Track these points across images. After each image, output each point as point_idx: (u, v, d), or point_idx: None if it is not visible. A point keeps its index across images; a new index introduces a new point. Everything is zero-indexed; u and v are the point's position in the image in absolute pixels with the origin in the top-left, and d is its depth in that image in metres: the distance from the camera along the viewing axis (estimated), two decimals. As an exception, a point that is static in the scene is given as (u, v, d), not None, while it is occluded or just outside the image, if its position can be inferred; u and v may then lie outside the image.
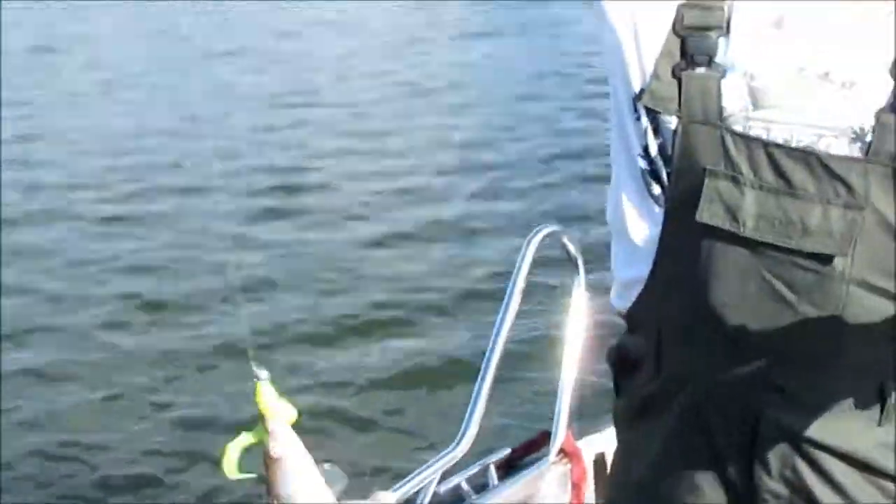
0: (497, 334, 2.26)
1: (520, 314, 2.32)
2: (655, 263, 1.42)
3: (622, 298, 1.53)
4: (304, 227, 7.92)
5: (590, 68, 12.26)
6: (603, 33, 1.45)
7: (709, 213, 1.33)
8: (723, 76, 1.33)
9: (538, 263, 2.33)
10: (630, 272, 1.48)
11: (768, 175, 1.31)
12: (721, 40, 1.34)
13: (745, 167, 1.32)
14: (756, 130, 1.32)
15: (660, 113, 1.37)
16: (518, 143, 9.90)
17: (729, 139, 1.32)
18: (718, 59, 1.34)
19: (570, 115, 10.67)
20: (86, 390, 5.72)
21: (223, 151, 9.91)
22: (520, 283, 2.30)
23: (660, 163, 1.39)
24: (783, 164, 1.30)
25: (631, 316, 1.52)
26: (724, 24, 1.34)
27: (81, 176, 9.36)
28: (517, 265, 2.32)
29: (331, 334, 6.05)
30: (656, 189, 1.40)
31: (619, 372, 1.58)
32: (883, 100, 1.30)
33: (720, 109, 1.33)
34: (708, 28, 1.35)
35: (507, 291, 2.30)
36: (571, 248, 2.45)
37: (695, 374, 1.42)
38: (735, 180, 1.32)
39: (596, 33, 1.51)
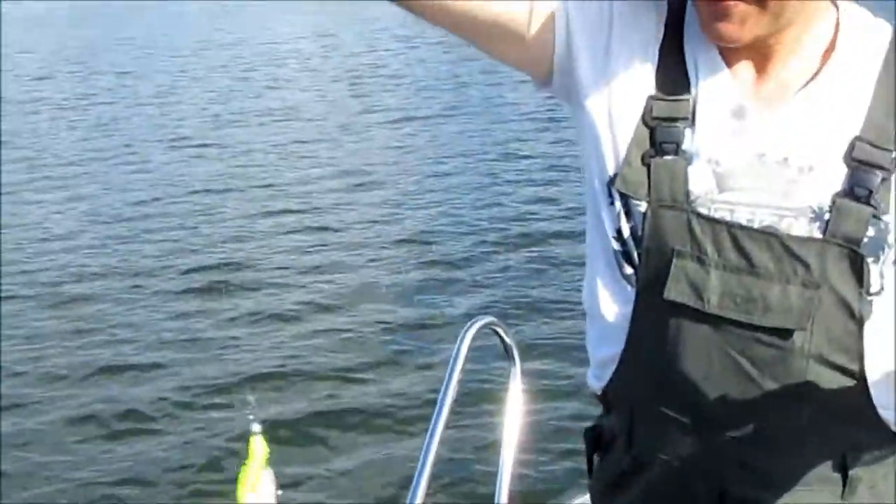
0: (434, 425, 2.24)
1: (455, 407, 2.29)
2: (627, 342, 1.49)
3: (598, 378, 1.59)
4: (238, 325, 7.77)
5: (531, 151, 12.52)
6: (581, 125, 1.52)
7: (676, 291, 1.41)
8: (689, 163, 1.42)
9: (475, 355, 2.34)
10: (604, 351, 1.55)
11: (732, 255, 1.39)
12: (687, 130, 1.43)
13: (709, 248, 1.40)
14: (721, 212, 1.40)
15: (631, 197, 1.44)
16: (459, 229, 9.87)
17: (695, 222, 1.41)
18: (685, 146, 1.42)
19: (515, 199, 10.70)
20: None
21: (156, 241, 9.87)
22: (456, 375, 2.29)
23: (631, 244, 1.46)
24: (745, 244, 1.39)
25: (605, 395, 1.59)
26: (690, 115, 1.43)
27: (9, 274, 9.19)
28: (453, 356, 2.33)
29: (282, 436, 5.87)
30: (628, 269, 1.47)
31: (595, 450, 1.65)
32: (838, 183, 1.38)
33: (687, 193, 1.41)
34: (675, 119, 1.43)
35: (444, 382, 2.29)
36: (507, 339, 2.48)
37: (663, 450, 1.49)
38: (700, 261, 1.40)
39: (574, 125, 1.58)
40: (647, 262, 1.44)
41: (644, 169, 1.43)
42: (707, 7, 1.37)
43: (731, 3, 1.34)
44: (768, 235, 1.38)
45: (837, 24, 1.44)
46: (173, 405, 6.40)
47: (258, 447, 1.27)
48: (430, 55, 21.38)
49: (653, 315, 1.45)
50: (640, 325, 1.47)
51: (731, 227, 1.39)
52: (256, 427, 1.26)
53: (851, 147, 1.39)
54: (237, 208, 10.97)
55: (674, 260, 1.41)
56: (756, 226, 1.39)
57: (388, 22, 25.98)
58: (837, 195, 1.37)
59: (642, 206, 1.43)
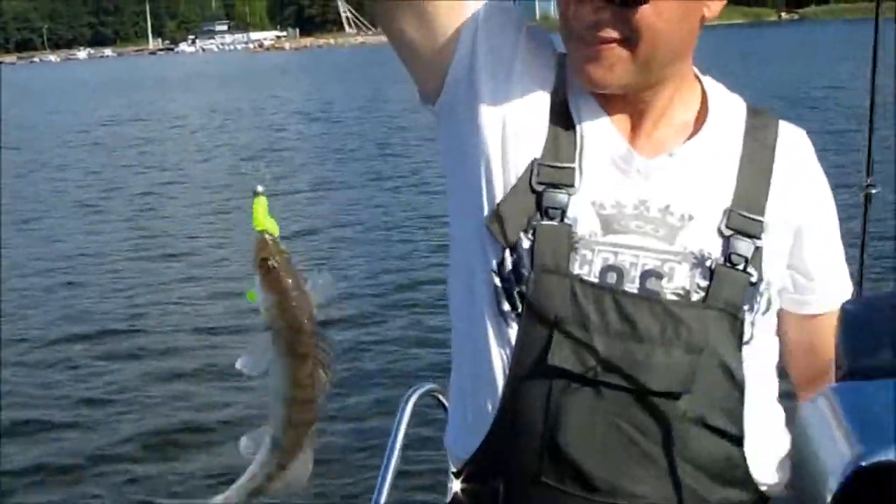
0: (379, 493, 2.26)
1: (400, 471, 2.30)
2: (503, 404, 1.46)
3: (464, 444, 1.53)
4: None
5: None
6: (466, 144, 1.51)
7: (559, 357, 1.41)
8: (572, 228, 1.43)
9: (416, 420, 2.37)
10: (474, 408, 1.50)
11: (615, 320, 1.41)
12: (575, 171, 1.46)
13: (593, 314, 1.41)
14: (605, 254, 1.43)
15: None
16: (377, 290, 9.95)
17: (579, 288, 1.42)
18: (576, 186, 1.45)
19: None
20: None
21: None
22: (399, 442, 2.31)
23: (513, 280, 1.45)
24: (629, 309, 1.41)
25: (474, 463, 1.51)
26: (574, 180, 1.45)
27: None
28: (395, 424, 2.34)
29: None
30: (506, 306, 1.46)
31: None
32: (715, 232, 1.45)
33: (570, 259, 1.42)
34: (560, 185, 1.45)
35: (387, 449, 2.31)
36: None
37: None
38: (584, 326, 1.41)
39: (446, 146, 1.57)
40: (529, 326, 1.44)
41: (524, 219, 1.44)
42: (580, 50, 1.42)
43: (603, 46, 1.39)
44: (651, 301, 1.41)
45: (704, 94, 1.55)
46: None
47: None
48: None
49: (534, 379, 1.43)
50: (518, 389, 1.45)
51: (614, 292, 1.41)
52: (260, 188, 1.27)
53: (726, 216, 1.46)
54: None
55: (556, 326, 1.41)
56: (639, 269, 1.42)
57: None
58: (718, 264, 1.43)
59: (527, 242, 1.44)
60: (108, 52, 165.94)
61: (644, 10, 1.37)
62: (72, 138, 26.44)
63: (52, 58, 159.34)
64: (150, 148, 23.01)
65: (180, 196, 16.40)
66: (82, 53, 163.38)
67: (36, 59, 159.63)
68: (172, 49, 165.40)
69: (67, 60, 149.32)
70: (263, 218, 1.26)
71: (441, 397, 2.49)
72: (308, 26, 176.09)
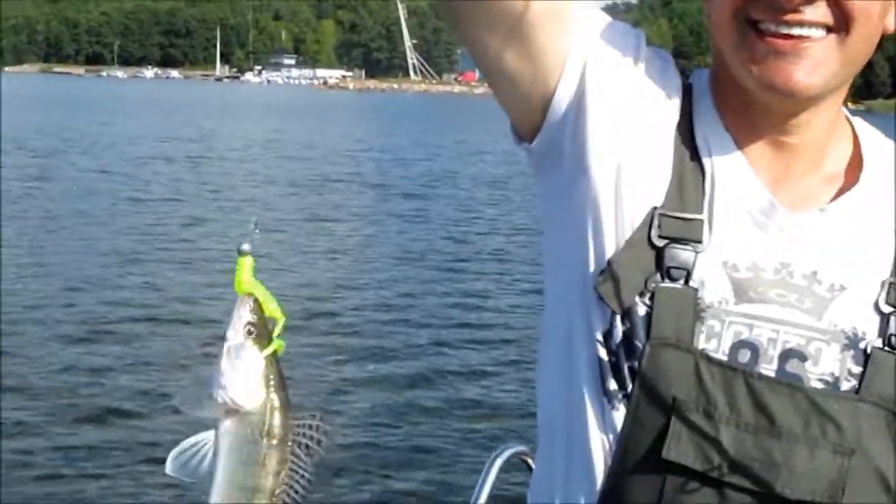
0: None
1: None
2: (604, 501, 1.23)
3: None
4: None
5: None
6: (576, 193, 1.27)
7: (676, 450, 1.18)
8: (699, 293, 1.21)
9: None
10: (563, 500, 1.28)
11: (748, 410, 1.18)
12: (704, 224, 1.22)
13: (721, 400, 1.18)
14: (737, 327, 1.20)
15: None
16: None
17: (704, 367, 1.19)
18: (704, 242, 1.22)
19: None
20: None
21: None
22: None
23: (622, 354, 1.22)
24: (765, 398, 1.18)
25: None
26: (702, 235, 1.22)
27: None
28: (479, 485, 2.14)
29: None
30: (613, 385, 1.23)
31: None
32: (871, 310, 1.22)
33: (694, 331, 1.20)
34: (686, 241, 1.22)
35: None
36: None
37: None
38: (708, 415, 1.18)
39: (549, 193, 1.33)
40: (640, 409, 1.21)
41: (641, 281, 1.21)
42: (768, 46, 1.17)
43: (809, 39, 1.16)
44: (793, 389, 1.18)
45: (856, 138, 1.32)
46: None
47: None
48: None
49: (643, 475, 1.20)
50: (623, 484, 1.22)
51: (747, 375, 1.18)
52: (246, 246, 1.14)
53: (885, 289, 1.23)
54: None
55: (675, 411, 1.18)
56: (778, 347, 1.20)
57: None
58: (875, 347, 1.20)
59: (642, 308, 1.21)
60: (174, 73, 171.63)
61: None
62: (125, 150, 26.98)
63: (120, 74, 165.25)
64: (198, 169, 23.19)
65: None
66: (149, 72, 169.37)
67: (104, 74, 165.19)
68: (238, 77, 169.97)
69: (134, 77, 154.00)
70: (248, 280, 1.14)
71: (530, 461, 2.34)
72: (374, 69, 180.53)
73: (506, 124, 1.33)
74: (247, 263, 1.14)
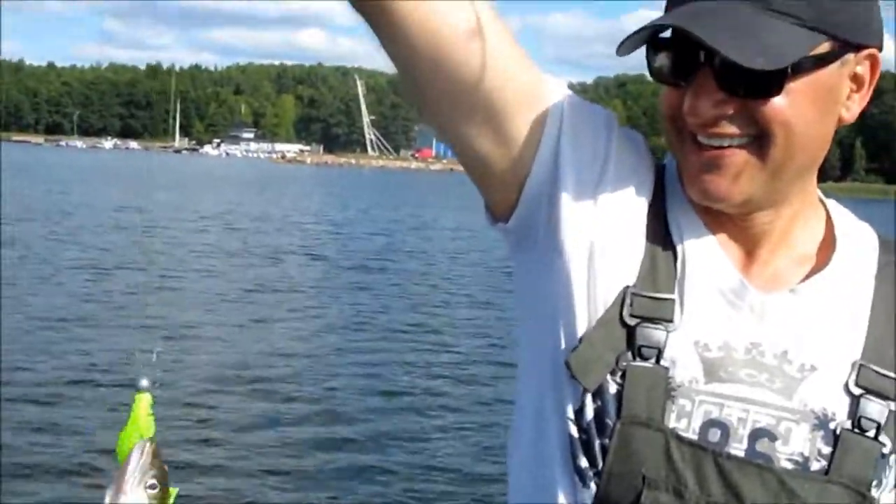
0: None
1: None
2: None
3: None
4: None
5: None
6: (550, 270, 1.26)
7: None
8: (670, 372, 1.19)
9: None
10: None
11: (718, 490, 1.17)
12: (675, 304, 1.22)
13: (690, 480, 1.17)
14: (707, 406, 1.19)
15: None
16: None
17: (675, 447, 1.18)
18: (675, 321, 1.21)
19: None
20: None
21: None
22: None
23: (594, 432, 1.21)
24: (734, 478, 1.17)
25: None
26: (673, 314, 1.22)
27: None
28: None
29: None
30: (584, 462, 1.22)
31: None
32: (841, 390, 1.21)
33: (665, 410, 1.18)
34: (659, 320, 1.21)
35: None
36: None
37: None
38: (678, 494, 1.17)
39: (522, 269, 1.33)
40: (611, 488, 1.19)
41: (610, 360, 1.20)
42: (695, 155, 1.19)
43: (725, 150, 1.17)
44: (762, 469, 1.17)
45: (829, 220, 1.32)
46: None
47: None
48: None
49: None
50: None
51: (717, 455, 1.17)
52: (145, 382, 1.01)
53: (856, 371, 1.22)
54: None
55: (644, 491, 1.17)
56: (748, 426, 1.18)
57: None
58: (845, 429, 1.19)
59: (613, 386, 1.20)
60: (133, 144, 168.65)
61: (776, 103, 1.14)
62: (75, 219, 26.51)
63: (79, 143, 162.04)
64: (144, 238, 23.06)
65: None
66: (108, 143, 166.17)
67: (63, 143, 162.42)
68: (197, 150, 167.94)
69: (93, 148, 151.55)
70: (144, 419, 1.05)
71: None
72: (332, 144, 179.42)
73: (461, 200, 1.36)
74: (146, 401, 1.05)
